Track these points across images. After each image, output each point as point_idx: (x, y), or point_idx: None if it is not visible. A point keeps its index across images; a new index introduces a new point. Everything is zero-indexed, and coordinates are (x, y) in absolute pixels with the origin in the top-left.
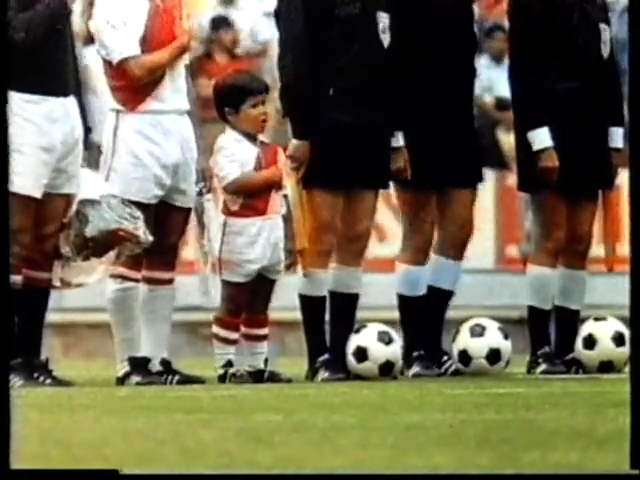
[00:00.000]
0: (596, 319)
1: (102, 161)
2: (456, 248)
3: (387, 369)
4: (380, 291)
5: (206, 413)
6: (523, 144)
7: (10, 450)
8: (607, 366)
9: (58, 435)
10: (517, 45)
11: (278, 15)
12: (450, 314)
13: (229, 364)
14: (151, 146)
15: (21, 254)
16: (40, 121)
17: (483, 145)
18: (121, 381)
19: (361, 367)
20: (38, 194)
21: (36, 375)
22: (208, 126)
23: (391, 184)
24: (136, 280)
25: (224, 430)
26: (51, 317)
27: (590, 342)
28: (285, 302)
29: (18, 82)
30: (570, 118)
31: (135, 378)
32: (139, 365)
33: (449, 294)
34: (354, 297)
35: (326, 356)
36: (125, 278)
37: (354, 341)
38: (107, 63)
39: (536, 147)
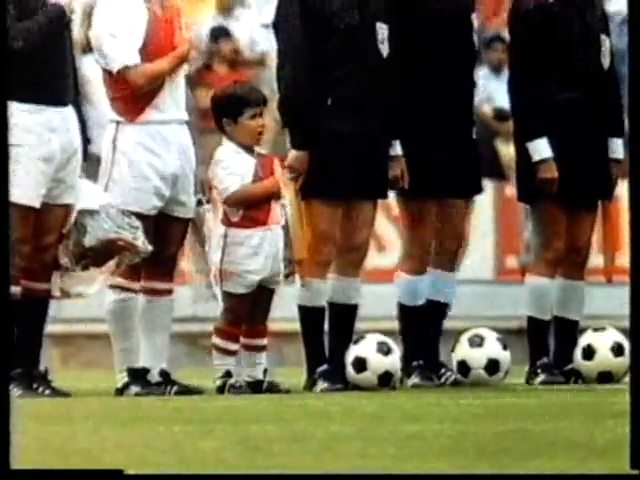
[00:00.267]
0: (595, 330)
1: (101, 172)
2: (451, 260)
3: (386, 379)
4: (379, 301)
5: (205, 423)
6: (523, 155)
7: (10, 450)
8: (606, 377)
9: (57, 445)
10: (517, 56)
11: (276, 26)
12: (449, 324)
13: (228, 374)
14: (151, 157)
15: (20, 264)
16: (39, 131)
17: (482, 155)
18: (120, 392)
19: (360, 377)
20: (37, 204)
21: (35, 385)
22: (207, 137)
23: (390, 194)
24: (135, 291)
25: (223, 440)
26: (50, 328)
27: (589, 353)
28: (284, 313)
29: (16, 91)
30: (570, 129)
31: (134, 388)
32: (138, 376)
33: (445, 306)
34: (353, 307)
35: (325, 366)
36: (124, 289)
37: (353, 351)
38: (107, 72)
39: (535, 158)
